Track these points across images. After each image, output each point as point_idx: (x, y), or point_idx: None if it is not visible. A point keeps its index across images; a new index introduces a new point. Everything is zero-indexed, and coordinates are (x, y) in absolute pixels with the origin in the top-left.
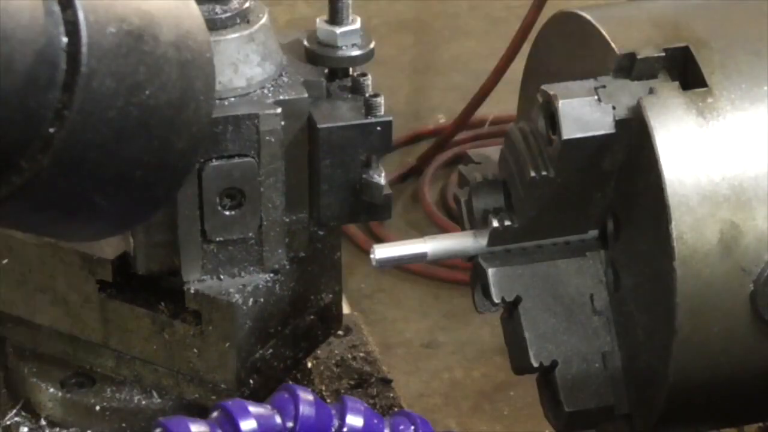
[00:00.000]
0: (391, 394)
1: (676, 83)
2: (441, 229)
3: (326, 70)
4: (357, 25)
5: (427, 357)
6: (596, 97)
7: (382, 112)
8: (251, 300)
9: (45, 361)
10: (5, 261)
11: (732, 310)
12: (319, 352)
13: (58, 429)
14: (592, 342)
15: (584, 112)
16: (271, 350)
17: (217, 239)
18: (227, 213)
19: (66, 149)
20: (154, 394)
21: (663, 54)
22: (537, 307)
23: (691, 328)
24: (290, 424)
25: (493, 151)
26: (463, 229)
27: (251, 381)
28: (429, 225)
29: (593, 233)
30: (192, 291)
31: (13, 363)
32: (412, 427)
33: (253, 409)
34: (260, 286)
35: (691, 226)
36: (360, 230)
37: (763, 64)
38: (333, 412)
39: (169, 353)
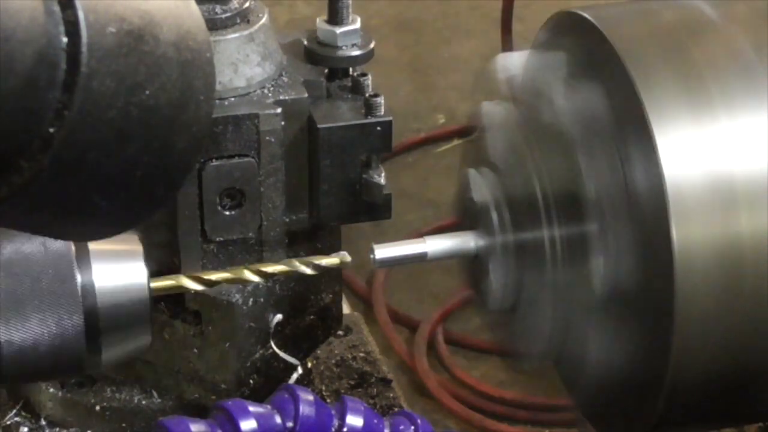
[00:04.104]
0: (391, 394)
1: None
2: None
3: (326, 70)
4: (357, 25)
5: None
6: None
7: (382, 112)
8: (251, 300)
9: None
10: None
11: (732, 310)
12: (319, 352)
13: (58, 429)
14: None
15: None
16: (271, 350)
17: (217, 239)
18: (227, 213)
19: (66, 149)
20: (154, 394)
21: None
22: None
23: (689, 328)
24: (290, 424)
25: None
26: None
27: (251, 381)
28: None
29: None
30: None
31: None
32: (412, 427)
33: (253, 409)
34: (260, 286)
35: (690, 227)
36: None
37: (763, 63)
38: (333, 412)
39: (169, 353)
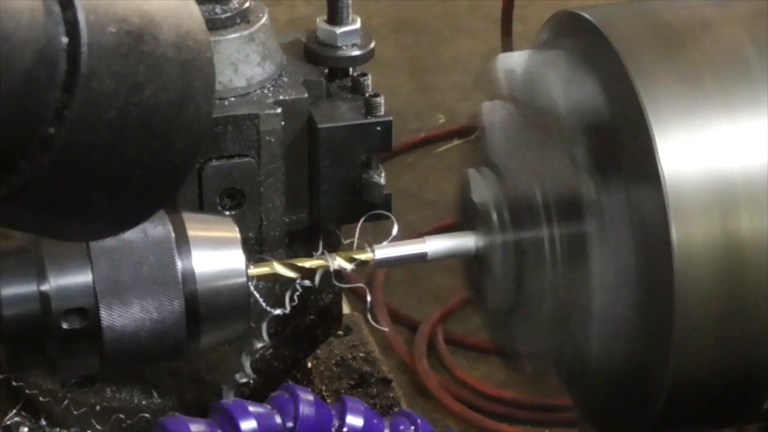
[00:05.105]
0: (391, 394)
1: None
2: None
3: (326, 70)
4: (357, 25)
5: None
6: None
7: (382, 112)
8: (251, 300)
9: None
10: None
11: (731, 309)
12: (319, 352)
13: (58, 429)
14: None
15: None
16: (271, 350)
17: None
18: (227, 213)
19: (66, 149)
20: (154, 394)
21: None
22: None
23: (689, 329)
24: (290, 424)
25: None
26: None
27: (251, 381)
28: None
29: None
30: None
31: None
32: (412, 428)
33: (253, 409)
34: (260, 286)
35: (690, 227)
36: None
37: (762, 63)
38: (333, 412)
39: None
